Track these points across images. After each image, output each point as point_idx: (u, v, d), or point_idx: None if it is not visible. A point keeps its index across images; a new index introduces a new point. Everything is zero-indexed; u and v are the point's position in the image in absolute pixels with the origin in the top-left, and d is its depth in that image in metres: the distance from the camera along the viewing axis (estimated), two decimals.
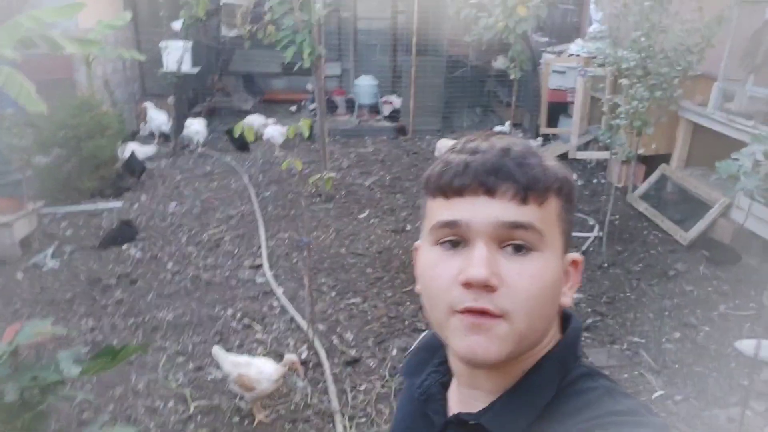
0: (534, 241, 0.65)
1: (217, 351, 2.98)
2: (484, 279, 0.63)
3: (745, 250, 4.48)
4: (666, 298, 4.03)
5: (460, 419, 0.71)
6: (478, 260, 0.63)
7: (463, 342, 0.65)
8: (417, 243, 0.77)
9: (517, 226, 0.64)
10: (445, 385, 0.79)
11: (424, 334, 0.88)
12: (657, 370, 3.33)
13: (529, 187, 0.65)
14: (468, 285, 0.64)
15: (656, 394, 3.13)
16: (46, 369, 1.63)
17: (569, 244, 0.72)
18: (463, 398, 0.74)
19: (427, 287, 0.69)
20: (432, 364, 0.82)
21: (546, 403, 0.66)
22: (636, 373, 3.31)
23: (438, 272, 0.67)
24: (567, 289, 0.71)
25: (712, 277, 4.28)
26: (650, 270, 4.42)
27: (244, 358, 2.89)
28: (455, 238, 0.67)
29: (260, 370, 2.76)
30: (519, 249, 0.65)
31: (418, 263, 0.73)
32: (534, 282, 0.64)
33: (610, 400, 0.64)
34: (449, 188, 0.67)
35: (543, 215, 0.66)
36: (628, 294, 4.10)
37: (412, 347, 1.04)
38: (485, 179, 0.65)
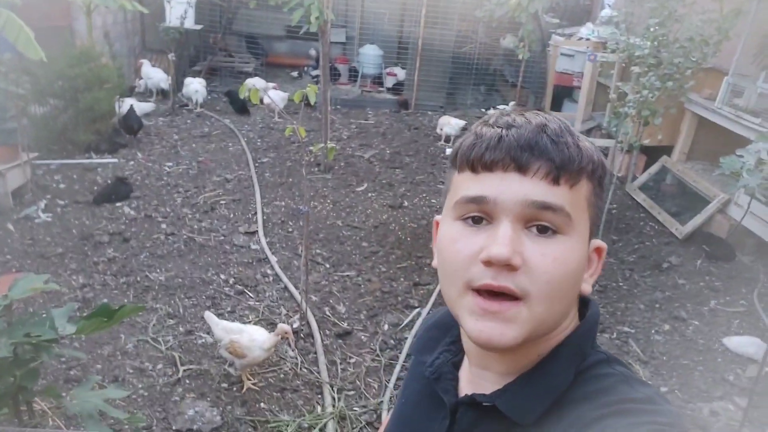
0: (561, 224, 0.63)
1: (209, 316, 2.96)
2: (507, 258, 0.60)
3: (740, 248, 4.50)
4: (658, 290, 4.05)
5: (474, 400, 0.69)
6: (502, 239, 0.61)
7: (476, 325, 0.63)
8: (438, 217, 0.75)
9: (546, 207, 0.62)
10: (457, 365, 0.77)
11: (429, 312, 0.86)
12: (645, 360, 3.36)
13: (563, 167, 0.62)
14: (489, 263, 0.61)
15: None
16: (41, 326, 1.60)
17: (595, 230, 0.69)
18: (474, 378, 0.73)
19: (445, 262, 0.67)
20: (444, 343, 0.80)
21: (563, 389, 0.65)
22: (624, 362, 3.33)
23: (458, 247, 0.65)
24: (588, 276, 0.69)
25: (705, 272, 4.30)
26: (644, 261, 4.43)
27: (236, 325, 2.88)
28: (479, 215, 0.64)
29: (252, 337, 2.75)
30: (545, 230, 0.63)
31: (438, 237, 0.70)
32: (557, 266, 0.62)
33: (626, 387, 0.63)
34: (479, 162, 0.64)
35: (573, 198, 0.64)
36: (621, 284, 4.12)
37: (421, 324, 1.03)
38: (519, 155, 0.62)
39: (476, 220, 0.64)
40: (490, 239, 0.62)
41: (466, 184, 0.65)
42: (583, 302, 0.73)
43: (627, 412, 0.59)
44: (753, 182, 3.38)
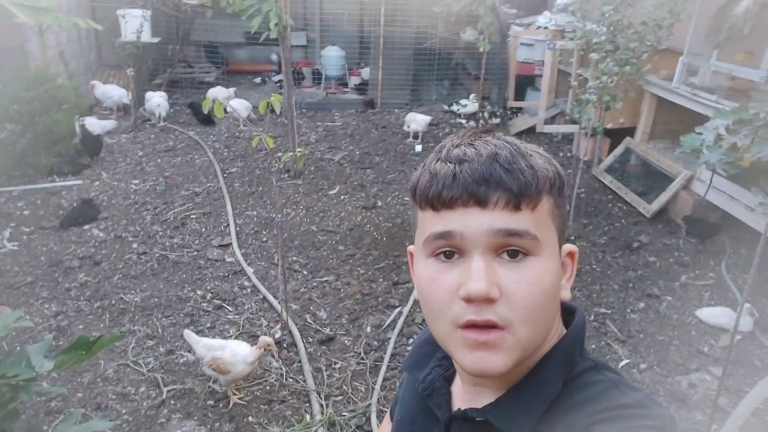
0: (530, 247, 0.64)
1: (189, 334, 2.93)
2: (485, 293, 0.61)
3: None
4: (630, 270, 4.15)
5: (467, 416, 0.71)
6: (476, 274, 0.62)
7: (468, 357, 0.64)
8: (410, 247, 0.76)
9: (511, 234, 0.63)
10: (449, 380, 0.79)
11: (424, 332, 0.88)
12: (623, 339, 3.44)
13: (522, 193, 0.63)
14: (469, 300, 0.62)
15: (622, 363, 3.24)
16: (17, 365, 1.55)
17: (563, 236, 0.71)
18: (467, 394, 0.74)
19: (427, 302, 0.68)
20: (435, 358, 0.81)
21: (553, 398, 0.66)
22: (603, 343, 3.41)
23: (436, 287, 0.66)
24: (565, 282, 0.71)
25: (674, 249, 4.42)
26: (615, 242, 4.53)
27: (217, 342, 2.85)
28: (450, 249, 0.65)
29: (235, 352, 2.73)
30: (515, 254, 0.64)
31: (416, 275, 0.71)
32: (533, 288, 0.64)
33: (616, 393, 0.64)
34: (438, 201, 0.65)
35: (536, 219, 0.65)
36: (594, 266, 4.20)
37: (414, 341, 1.04)
38: (476, 190, 0.63)
39: (448, 255, 0.66)
40: (465, 274, 0.63)
41: (431, 222, 0.66)
42: (569, 310, 0.75)
43: (617, 418, 0.61)
44: (713, 158, 3.49)
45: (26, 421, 2.51)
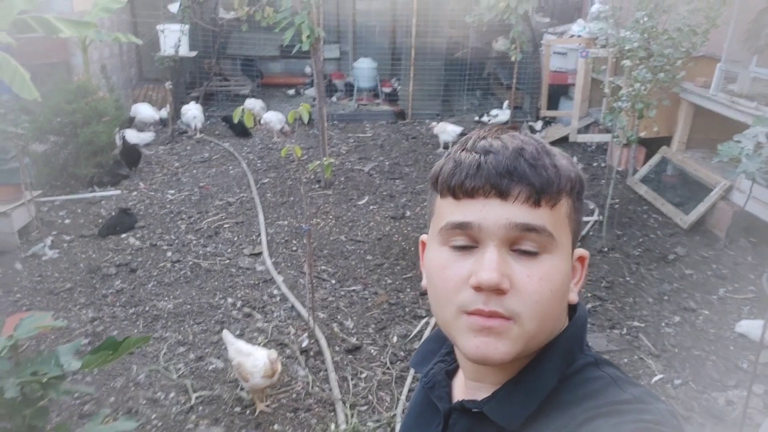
0: (545, 244, 0.65)
1: (226, 335, 2.98)
2: (496, 283, 0.62)
3: (745, 233, 4.47)
4: (665, 282, 4.04)
5: (464, 407, 0.72)
6: (489, 264, 0.63)
7: (471, 342, 0.65)
8: (423, 236, 0.77)
9: (529, 228, 0.64)
10: (451, 374, 0.80)
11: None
12: (656, 354, 3.34)
13: (543, 190, 0.64)
14: (479, 288, 0.63)
15: (656, 378, 3.15)
16: (47, 363, 1.62)
17: (577, 240, 0.71)
18: (468, 388, 0.75)
19: (435, 288, 0.69)
20: (439, 354, 0.83)
21: (548, 392, 0.67)
22: (636, 357, 3.32)
23: (447, 274, 0.66)
24: (573, 285, 0.71)
25: (711, 261, 4.28)
26: (649, 254, 4.42)
27: (248, 348, 2.88)
28: (465, 240, 0.66)
29: (255, 363, 2.74)
30: (529, 251, 0.65)
31: (427, 262, 0.72)
32: (543, 285, 0.64)
33: (615, 389, 0.64)
34: (460, 189, 0.66)
35: (554, 217, 0.65)
36: (628, 278, 4.10)
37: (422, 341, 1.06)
38: (498, 182, 0.64)
39: (463, 245, 0.66)
40: (478, 264, 0.64)
41: (450, 210, 0.67)
42: (572, 306, 0.74)
43: (614, 413, 0.61)
44: (752, 167, 3.37)
45: (59, 423, 2.58)
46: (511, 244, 0.64)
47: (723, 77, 4.73)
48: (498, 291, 0.63)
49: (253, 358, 2.76)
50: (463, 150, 0.68)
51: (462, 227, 0.65)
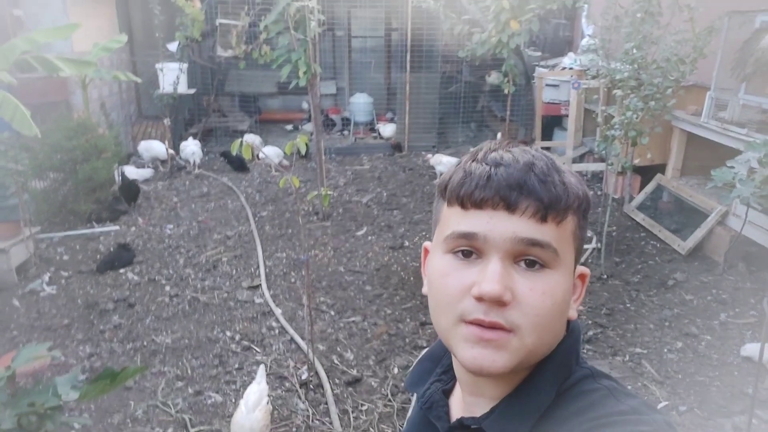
0: (549, 259, 0.65)
1: (262, 370, 2.93)
2: (498, 295, 0.62)
3: (743, 258, 4.48)
4: (666, 308, 4.02)
5: (463, 424, 0.71)
6: (492, 275, 0.63)
7: (469, 352, 0.65)
8: (427, 243, 0.78)
9: (534, 243, 0.64)
10: (448, 393, 0.80)
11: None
12: (660, 380, 3.31)
13: (551, 206, 0.65)
14: (480, 299, 0.64)
15: (660, 405, 3.11)
16: (44, 394, 1.60)
17: (579, 258, 0.72)
18: (467, 405, 0.74)
19: (436, 295, 0.69)
20: (435, 373, 0.82)
21: (546, 406, 0.66)
22: (639, 384, 3.28)
23: (449, 281, 0.67)
24: (573, 302, 0.72)
25: (711, 286, 4.27)
26: (649, 280, 4.41)
27: (257, 395, 2.79)
28: (469, 249, 0.66)
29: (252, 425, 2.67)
30: (533, 264, 0.65)
31: (429, 268, 0.73)
32: (545, 299, 0.64)
33: (612, 401, 0.64)
34: (469, 199, 0.66)
35: (560, 234, 0.66)
36: (628, 305, 4.09)
37: (415, 361, 1.06)
38: (507, 194, 0.64)
39: (466, 254, 0.67)
40: (481, 275, 0.64)
41: (456, 219, 0.67)
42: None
43: (611, 424, 0.60)
44: (746, 191, 3.40)
45: None
46: (515, 257, 0.65)
47: (713, 105, 4.81)
48: (499, 303, 0.63)
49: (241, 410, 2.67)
50: (473, 161, 0.69)
51: (468, 237, 0.66)
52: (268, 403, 2.75)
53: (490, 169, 0.66)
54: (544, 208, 0.64)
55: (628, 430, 0.59)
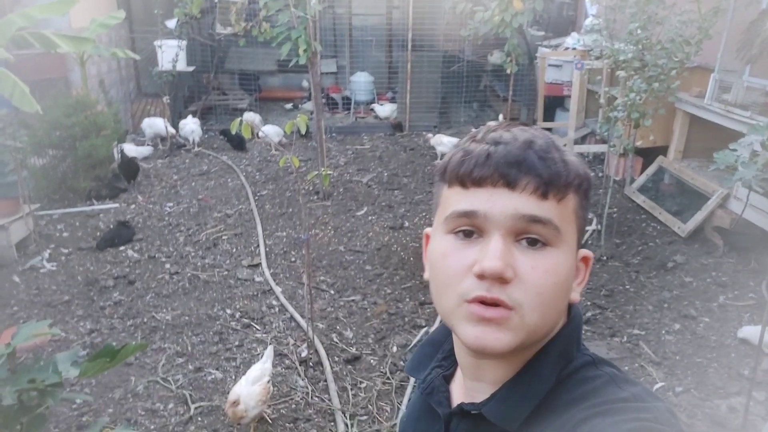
0: (550, 237, 0.65)
1: (270, 351, 2.95)
2: (500, 271, 0.62)
3: (744, 241, 4.48)
4: (665, 290, 4.03)
5: (463, 410, 0.71)
6: (493, 252, 0.63)
7: (471, 331, 0.64)
8: (428, 230, 0.77)
9: (535, 220, 0.64)
10: (448, 379, 0.79)
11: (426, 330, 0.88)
12: (657, 361, 3.33)
13: (551, 182, 0.64)
14: (482, 276, 0.63)
15: (657, 386, 3.13)
16: (44, 371, 1.61)
17: (581, 239, 0.71)
18: (468, 390, 0.74)
19: (437, 276, 0.69)
20: (436, 359, 0.82)
21: (546, 392, 0.66)
22: (636, 365, 3.31)
23: (451, 262, 0.66)
24: (576, 285, 0.71)
25: (711, 269, 4.28)
26: (649, 262, 4.42)
27: (259, 372, 2.82)
28: (470, 228, 0.66)
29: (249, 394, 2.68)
30: (534, 243, 0.64)
31: (430, 252, 0.72)
32: (547, 277, 0.64)
33: (614, 388, 0.64)
34: (468, 178, 0.66)
35: (561, 211, 0.65)
36: (627, 287, 4.10)
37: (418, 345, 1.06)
38: (507, 171, 0.64)
39: (467, 234, 0.66)
40: (482, 253, 0.64)
41: (456, 199, 0.67)
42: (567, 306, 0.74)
43: (612, 411, 0.60)
44: (749, 174, 3.39)
45: None
46: (516, 235, 0.64)
47: (717, 87, 4.76)
48: (501, 280, 0.62)
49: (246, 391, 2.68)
50: (473, 141, 0.69)
51: (468, 216, 0.65)
52: (268, 382, 2.77)
53: (490, 147, 0.66)
54: (544, 185, 0.64)
55: (630, 417, 0.59)
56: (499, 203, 0.64)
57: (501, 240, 0.63)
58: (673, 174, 5.33)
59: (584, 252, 0.72)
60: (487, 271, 0.62)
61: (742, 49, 4.30)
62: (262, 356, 2.95)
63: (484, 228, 0.65)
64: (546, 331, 0.67)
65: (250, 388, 2.68)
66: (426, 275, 0.73)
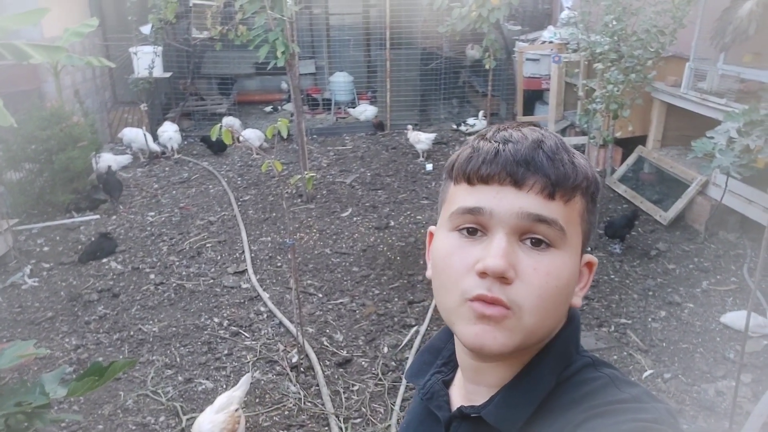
0: (555, 238, 0.64)
1: (247, 379, 2.83)
2: (502, 270, 0.61)
3: (724, 226, 4.56)
4: (649, 278, 4.08)
5: (463, 413, 0.71)
6: (496, 251, 0.62)
7: (471, 330, 0.64)
8: (432, 228, 0.76)
9: (540, 220, 0.63)
10: (448, 384, 0.79)
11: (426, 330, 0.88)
12: (645, 349, 3.37)
13: (558, 183, 0.64)
14: (483, 275, 0.63)
15: (646, 374, 3.17)
16: (31, 393, 1.58)
17: (587, 245, 0.71)
18: (468, 394, 0.74)
19: (440, 273, 0.68)
20: (435, 365, 0.82)
21: (545, 395, 0.66)
22: (625, 353, 3.35)
23: (454, 260, 0.66)
24: (578, 290, 0.71)
25: (693, 255, 4.34)
26: (632, 251, 4.47)
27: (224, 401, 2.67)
28: (475, 226, 0.66)
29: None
30: (538, 244, 0.64)
31: (433, 250, 0.71)
32: (550, 280, 0.64)
33: (613, 389, 0.64)
34: (476, 175, 0.66)
35: (567, 213, 0.65)
36: (612, 276, 4.14)
37: (416, 352, 1.05)
38: (515, 170, 0.64)
39: (471, 232, 0.66)
40: (485, 251, 0.63)
41: (462, 196, 0.67)
42: None
43: (612, 412, 0.60)
44: (726, 161, 3.44)
45: None
46: (521, 235, 0.64)
47: (693, 75, 4.83)
48: (502, 279, 0.62)
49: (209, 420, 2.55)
50: (482, 139, 0.69)
51: (473, 212, 0.65)
52: (237, 410, 2.62)
53: (499, 145, 0.66)
54: (551, 185, 0.63)
55: (629, 418, 0.59)
56: (505, 201, 0.64)
57: (505, 238, 0.63)
58: (652, 163, 5.39)
59: (589, 257, 0.72)
60: (490, 269, 0.62)
61: (716, 37, 4.36)
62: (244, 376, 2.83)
63: (489, 226, 0.64)
64: (545, 333, 0.67)
65: (214, 416, 2.55)
66: (428, 273, 0.73)
